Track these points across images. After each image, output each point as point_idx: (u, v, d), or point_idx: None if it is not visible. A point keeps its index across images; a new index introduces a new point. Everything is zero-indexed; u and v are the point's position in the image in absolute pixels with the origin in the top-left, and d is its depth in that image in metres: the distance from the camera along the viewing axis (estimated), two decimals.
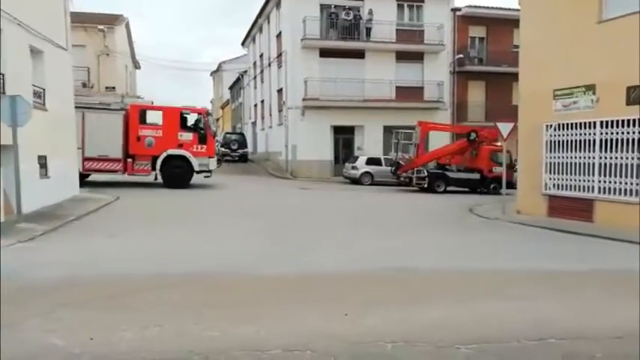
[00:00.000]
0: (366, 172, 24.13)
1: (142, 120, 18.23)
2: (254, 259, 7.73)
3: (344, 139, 27.69)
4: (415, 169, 21.41)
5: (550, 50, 13.28)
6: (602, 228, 11.46)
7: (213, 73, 68.13)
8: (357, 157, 25.09)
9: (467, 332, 4.64)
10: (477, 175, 21.79)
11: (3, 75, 10.36)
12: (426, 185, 21.20)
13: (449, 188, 21.57)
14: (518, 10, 15.67)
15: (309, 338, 4.36)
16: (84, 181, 17.26)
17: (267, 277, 6.68)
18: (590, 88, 12.36)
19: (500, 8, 27.89)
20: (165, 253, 8.10)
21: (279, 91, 29.83)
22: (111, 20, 30.05)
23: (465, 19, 28.23)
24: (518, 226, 12.55)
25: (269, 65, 32.79)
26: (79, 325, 4.51)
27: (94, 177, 18.97)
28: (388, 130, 27.45)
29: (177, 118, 18.57)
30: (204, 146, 18.67)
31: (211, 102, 79.29)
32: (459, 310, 5.32)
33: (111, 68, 29.27)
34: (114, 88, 29.41)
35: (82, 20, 23.62)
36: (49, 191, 12.45)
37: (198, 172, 18.82)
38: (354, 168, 24.36)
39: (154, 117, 18.50)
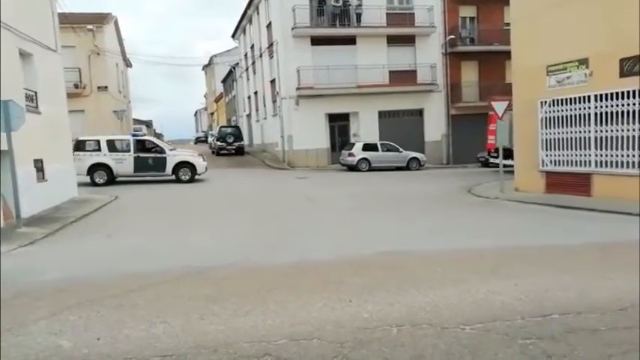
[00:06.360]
0: (363, 159, 24.18)
1: None
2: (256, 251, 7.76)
3: (339, 126, 27.64)
4: None
5: (541, 26, 13.22)
6: (600, 202, 11.52)
7: (205, 67, 67.81)
8: (353, 144, 25.07)
9: (469, 312, 4.67)
10: None
11: None
12: None
13: None
14: None
15: (314, 326, 4.38)
16: None
17: (269, 267, 6.70)
18: (583, 62, 12.33)
19: None
20: (165, 247, 8.13)
21: (272, 81, 29.69)
22: (99, 19, 29.77)
23: (454, 0, 28.03)
24: (516, 204, 12.59)
25: (260, 56, 32.61)
26: (84, 326, 4.53)
27: None
28: (383, 116, 27.50)
29: None
30: None
31: (205, 96, 79.00)
32: (460, 290, 5.34)
33: (102, 68, 29.04)
34: (106, 87, 29.26)
35: (70, 21, 23.36)
36: (47, 194, 12.45)
37: None
38: (350, 155, 24.35)
39: None
